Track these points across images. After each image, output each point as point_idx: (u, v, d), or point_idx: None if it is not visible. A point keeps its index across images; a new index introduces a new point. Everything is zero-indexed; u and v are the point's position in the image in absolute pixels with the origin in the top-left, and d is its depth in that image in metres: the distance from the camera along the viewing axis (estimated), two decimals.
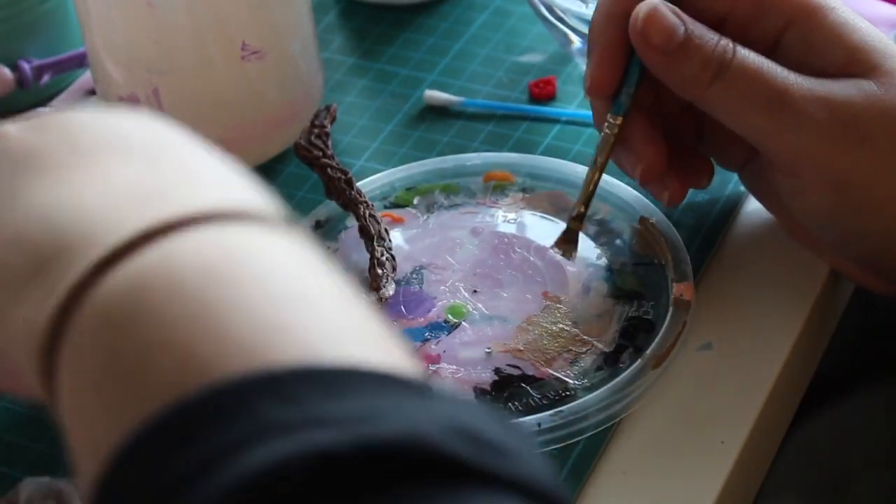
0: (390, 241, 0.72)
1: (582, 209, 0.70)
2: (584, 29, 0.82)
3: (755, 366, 0.69)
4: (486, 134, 0.83)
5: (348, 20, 0.95)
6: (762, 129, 0.62)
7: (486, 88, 0.87)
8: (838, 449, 1.22)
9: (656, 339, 0.68)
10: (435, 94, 0.86)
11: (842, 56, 0.62)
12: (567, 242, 0.71)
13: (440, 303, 0.72)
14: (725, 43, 0.62)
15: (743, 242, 0.75)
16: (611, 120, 0.68)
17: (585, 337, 0.69)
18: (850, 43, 0.62)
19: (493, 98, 0.86)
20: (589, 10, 0.82)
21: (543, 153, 0.81)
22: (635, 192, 0.75)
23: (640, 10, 0.63)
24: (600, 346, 0.69)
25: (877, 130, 0.61)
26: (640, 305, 0.71)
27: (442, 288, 0.72)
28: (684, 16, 0.62)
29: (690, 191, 0.72)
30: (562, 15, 0.83)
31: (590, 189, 0.69)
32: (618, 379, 0.66)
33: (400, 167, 0.80)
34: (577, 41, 0.84)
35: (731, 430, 0.66)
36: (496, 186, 0.78)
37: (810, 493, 1.21)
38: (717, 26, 0.64)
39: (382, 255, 0.71)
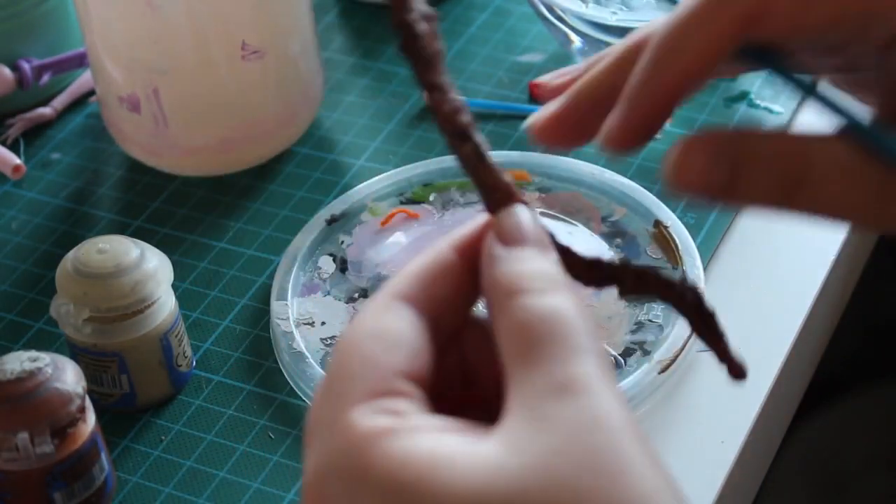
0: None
1: None
2: (585, 29, 0.83)
3: (755, 366, 0.69)
4: (486, 134, 0.83)
5: (348, 20, 0.95)
6: None
7: (486, 88, 0.87)
8: (838, 449, 1.22)
9: (665, 344, 0.68)
10: None
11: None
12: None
13: None
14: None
15: (743, 243, 0.75)
16: None
17: None
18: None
19: (493, 98, 0.86)
20: (589, 10, 0.82)
21: (543, 153, 0.81)
22: (651, 195, 0.75)
23: None
24: (609, 348, 0.69)
25: None
26: (651, 309, 0.71)
27: None
28: None
29: None
30: (562, 15, 0.83)
31: None
32: (624, 382, 0.66)
33: (417, 163, 0.80)
34: (577, 41, 0.84)
35: (731, 430, 0.66)
36: (517, 186, 0.78)
37: (810, 493, 1.21)
38: None
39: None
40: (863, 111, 0.47)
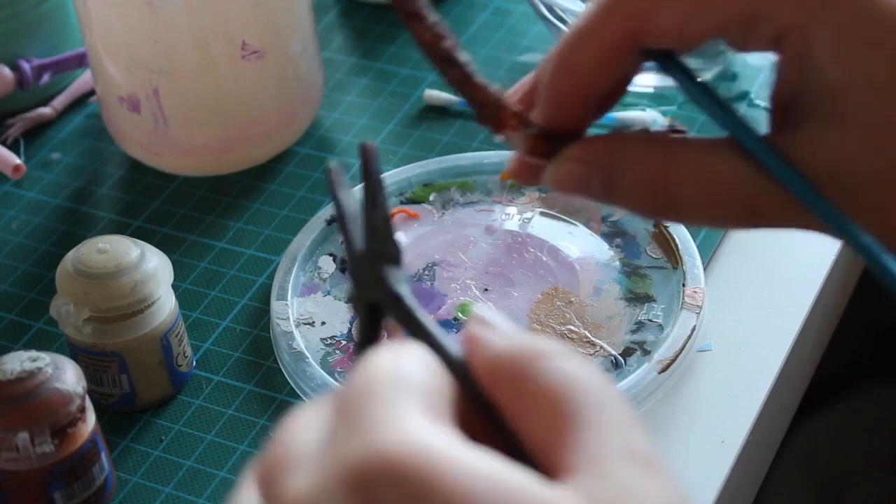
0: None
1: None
2: None
3: (755, 366, 0.69)
4: (486, 134, 0.83)
5: (348, 20, 0.95)
6: None
7: None
8: (838, 449, 1.22)
9: (665, 343, 0.68)
10: (435, 94, 0.86)
11: None
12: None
13: (451, 301, 0.72)
14: None
15: (743, 243, 0.75)
16: None
17: (594, 339, 0.69)
18: None
19: None
20: None
21: None
22: None
23: None
24: (609, 348, 0.69)
25: None
26: (651, 308, 0.71)
27: (453, 286, 0.72)
28: None
29: None
30: (562, 14, 0.83)
31: None
32: (623, 382, 0.66)
33: (417, 163, 0.80)
34: None
35: (731, 430, 0.66)
36: (513, 185, 0.78)
37: (810, 493, 1.21)
38: None
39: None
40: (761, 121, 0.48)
